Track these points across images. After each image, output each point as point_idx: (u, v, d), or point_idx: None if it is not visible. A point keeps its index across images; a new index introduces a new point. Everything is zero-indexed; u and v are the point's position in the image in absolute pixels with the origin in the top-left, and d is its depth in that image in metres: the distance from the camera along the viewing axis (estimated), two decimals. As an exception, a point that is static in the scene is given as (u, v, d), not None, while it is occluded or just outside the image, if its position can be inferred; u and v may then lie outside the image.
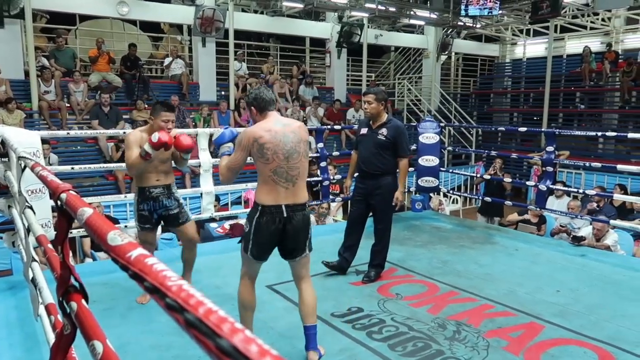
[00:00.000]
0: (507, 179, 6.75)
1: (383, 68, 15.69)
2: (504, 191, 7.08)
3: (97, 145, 8.20)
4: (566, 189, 6.42)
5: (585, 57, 12.06)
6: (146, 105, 8.85)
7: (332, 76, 12.43)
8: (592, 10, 11.89)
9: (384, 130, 3.65)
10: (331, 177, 5.70)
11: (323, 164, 5.47)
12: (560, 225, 5.87)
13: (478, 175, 8.50)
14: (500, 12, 11.79)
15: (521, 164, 12.10)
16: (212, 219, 5.44)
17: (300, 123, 2.58)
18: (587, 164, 5.63)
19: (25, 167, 2.12)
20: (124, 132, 7.04)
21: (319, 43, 12.83)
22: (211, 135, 4.50)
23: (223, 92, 10.48)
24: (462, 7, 11.34)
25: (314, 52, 13.50)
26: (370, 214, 3.88)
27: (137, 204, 3.18)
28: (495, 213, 7.03)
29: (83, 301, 1.20)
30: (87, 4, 9.04)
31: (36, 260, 2.33)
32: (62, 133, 6.26)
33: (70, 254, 1.37)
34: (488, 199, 6.18)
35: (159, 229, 3.59)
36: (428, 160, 5.62)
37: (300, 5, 10.36)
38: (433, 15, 11.80)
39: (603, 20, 13.15)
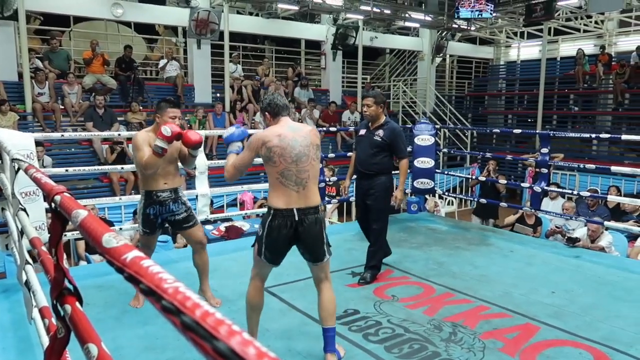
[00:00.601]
0: (502, 181, 6.78)
1: (378, 70, 15.72)
2: (498, 193, 7.10)
3: (92, 148, 8.17)
4: (561, 190, 6.45)
5: (579, 59, 12.13)
6: (141, 107, 8.83)
7: (327, 78, 12.44)
8: (586, 13, 11.97)
9: (380, 132, 3.74)
10: (327, 179, 5.69)
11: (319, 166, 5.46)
12: (555, 227, 5.90)
13: (473, 177, 8.53)
14: (494, 14, 11.85)
15: (516, 166, 12.16)
16: (208, 221, 5.43)
17: (311, 128, 2.60)
18: (581, 165, 5.66)
19: (18, 169, 2.11)
20: (119, 134, 7.08)
21: (314, 45, 12.84)
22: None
23: (218, 94, 10.46)
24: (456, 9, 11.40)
25: (309, 54, 13.51)
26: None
27: (144, 208, 3.06)
28: (489, 215, 7.04)
29: (77, 304, 1.19)
30: (81, 6, 9.01)
31: (30, 263, 2.31)
32: (56, 135, 6.24)
33: (65, 257, 1.36)
34: (483, 200, 6.20)
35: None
36: (423, 162, 5.63)
37: (296, 8, 10.36)
38: (428, 18, 11.84)
39: (596, 23, 13.24)
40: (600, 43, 13.10)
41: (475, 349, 2.71)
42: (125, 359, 2.53)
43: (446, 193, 7.73)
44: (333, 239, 5.00)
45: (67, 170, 4.55)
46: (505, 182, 6.46)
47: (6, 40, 8.24)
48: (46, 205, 3.30)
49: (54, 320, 1.42)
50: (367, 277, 3.72)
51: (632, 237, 5.58)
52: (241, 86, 10.34)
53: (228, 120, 9.58)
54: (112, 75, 9.28)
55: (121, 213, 6.48)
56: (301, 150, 2.43)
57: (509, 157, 9.03)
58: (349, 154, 4.50)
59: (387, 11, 11.14)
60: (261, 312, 2.61)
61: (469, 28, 12.63)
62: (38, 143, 5.70)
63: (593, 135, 7.42)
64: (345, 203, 8.21)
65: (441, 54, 13.84)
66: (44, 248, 1.80)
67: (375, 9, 10.60)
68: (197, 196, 4.57)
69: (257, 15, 11.72)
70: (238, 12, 11.77)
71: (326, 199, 6.02)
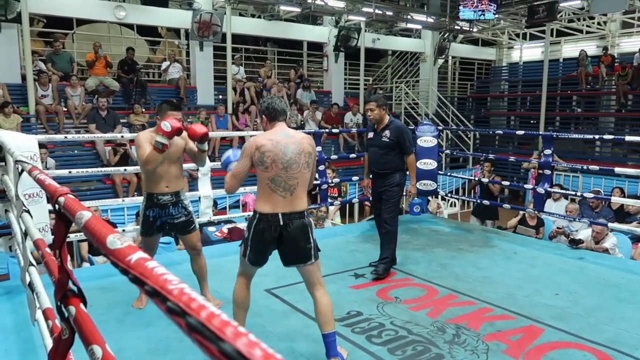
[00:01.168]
0: (504, 182, 6.76)
1: (380, 72, 15.73)
2: (492, 194, 7.12)
3: (95, 150, 8.19)
4: (564, 191, 6.44)
5: (582, 60, 12.10)
6: (143, 110, 8.84)
7: (329, 80, 12.45)
8: (588, 15, 11.94)
9: (387, 132, 3.93)
10: (329, 181, 5.69)
11: (321, 167, 5.47)
12: (557, 228, 5.88)
13: (475, 179, 8.51)
14: (496, 16, 11.84)
15: (518, 167, 12.12)
16: (211, 223, 5.43)
17: (305, 135, 2.60)
18: (585, 166, 5.64)
19: (22, 171, 2.11)
20: (122, 136, 7.09)
21: (316, 47, 12.85)
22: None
23: (221, 96, 10.48)
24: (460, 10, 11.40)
25: (311, 56, 13.52)
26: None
27: (144, 210, 3.09)
28: (487, 215, 7.07)
29: (82, 305, 1.19)
30: (84, 8, 9.04)
31: (33, 265, 2.31)
32: (59, 137, 6.25)
33: (69, 258, 1.36)
34: (486, 202, 6.19)
35: None
36: (426, 164, 5.63)
37: (298, 10, 10.38)
38: (430, 20, 11.84)
39: (599, 24, 13.21)
40: (602, 44, 13.09)
41: (478, 351, 2.70)
42: (128, 360, 2.53)
43: (449, 195, 7.71)
44: (335, 241, 5.00)
45: (70, 172, 4.55)
46: (501, 183, 6.46)
47: (9, 42, 8.27)
48: (49, 206, 3.31)
49: (57, 321, 1.42)
50: (380, 270, 3.81)
51: (636, 239, 5.56)
52: (244, 88, 10.35)
53: (230, 122, 9.59)
54: (114, 78, 9.30)
55: (124, 215, 6.48)
56: (292, 158, 2.45)
57: (511, 159, 9.00)
58: (351, 155, 4.53)
59: (389, 13, 11.15)
60: (247, 311, 2.62)
61: (471, 29, 12.62)
62: (41, 145, 5.71)
63: (596, 137, 7.40)
64: (347, 205, 8.21)
65: (443, 56, 13.83)
66: (47, 249, 1.80)
67: (377, 11, 10.60)
68: (199, 198, 4.57)
69: (259, 17, 11.73)
70: (240, 14, 11.79)
71: (328, 200, 6.01)
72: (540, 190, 5.02)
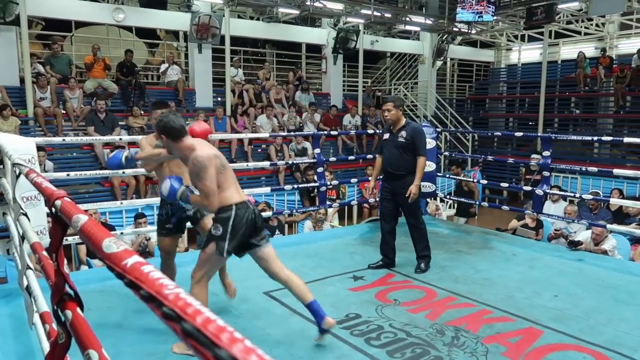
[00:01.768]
0: (503, 184, 6.83)
1: (379, 74, 15.73)
2: (467, 194, 7.86)
3: (93, 152, 8.17)
4: (562, 193, 6.44)
5: (580, 62, 12.12)
6: (142, 112, 8.83)
7: (328, 82, 12.45)
8: (587, 16, 11.97)
9: (403, 133, 3.98)
10: (328, 183, 5.69)
11: (320, 169, 5.46)
12: (555, 230, 5.88)
13: (474, 180, 8.52)
14: (494, 18, 11.86)
15: (517, 169, 12.11)
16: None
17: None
18: (583, 168, 5.64)
19: (20, 174, 2.10)
20: (120, 139, 7.07)
21: (315, 49, 12.85)
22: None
23: (219, 98, 10.47)
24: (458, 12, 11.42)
25: (310, 58, 13.52)
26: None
27: (159, 210, 3.19)
28: (459, 213, 7.67)
29: (78, 309, 1.18)
30: (83, 11, 9.03)
31: (31, 268, 2.31)
32: (57, 140, 6.23)
33: (65, 262, 1.36)
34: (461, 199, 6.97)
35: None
36: (425, 166, 5.62)
37: (296, 12, 10.38)
38: (428, 21, 11.85)
39: (597, 25, 13.24)
40: (601, 46, 13.11)
41: (478, 353, 2.69)
42: (126, 364, 2.52)
43: (447, 196, 7.72)
44: (334, 243, 5.00)
45: (68, 175, 4.54)
46: (474, 181, 7.09)
47: (8, 45, 8.25)
48: (47, 210, 3.30)
49: (54, 325, 1.41)
50: (422, 266, 4.01)
51: (635, 240, 5.56)
52: (242, 90, 10.35)
53: (229, 124, 9.58)
54: (113, 80, 9.29)
55: (122, 217, 6.47)
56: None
57: (510, 160, 9.01)
58: (350, 157, 4.51)
59: (388, 15, 11.16)
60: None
61: (469, 31, 12.64)
62: (40, 148, 5.70)
63: (595, 138, 7.41)
64: (346, 207, 8.20)
65: (442, 58, 13.84)
66: (44, 253, 1.80)
67: (375, 13, 10.61)
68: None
69: (258, 19, 11.74)
70: (239, 17, 11.80)
71: (327, 202, 6.01)
72: (539, 192, 5.02)
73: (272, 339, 2.82)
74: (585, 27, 13.25)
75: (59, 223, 1.24)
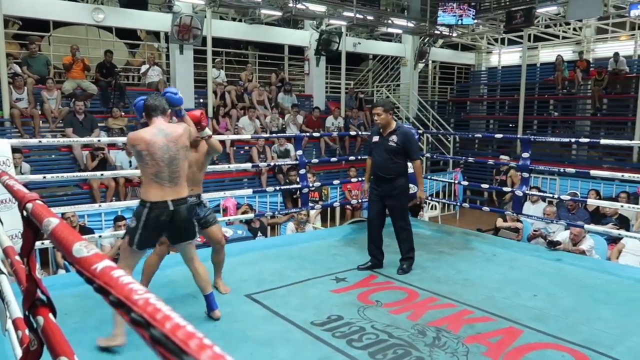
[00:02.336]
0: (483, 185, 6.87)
1: (362, 76, 15.78)
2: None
3: (72, 154, 8.02)
4: (541, 194, 6.54)
5: (558, 65, 12.33)
6: (122, 113, 8.71)
7: (311, 84, 12.44)
8: (564, 20, 12.18)
9: (394, 137, 4.00)
10: (310, 185, 5.68)
11: (302, 171, 5.45)
12: (534, 230, 5.97)
13: (456, 182, 8.60)
14: (474, 21, 12.00)
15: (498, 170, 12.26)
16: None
17: (182, 130, 2.80)
18: (562, 169, 5.73)
19: (-8, 176, 2.04)
20: (99, 140, 6.96)
21: (297, 51, 12.83)
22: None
23: (201, 100, 10.38)
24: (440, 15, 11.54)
25: (292, 59, 13.50)
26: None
27: None
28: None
29: (50, 315, 1.15)
30: (61, 11, 8.86)
31: (4, 273, 2.24)
32: (33, 141, 6.08)
33: (38, 266, 1.32)
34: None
35: None
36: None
37: (279, 13, 10.36)
38: (410, 24, 11.93)
39: (575, 30, 13.49)
40: (578, 49, 13.36)
41: (459, 353, 2.71)
42: (104, 370, 2.47)
43: (429, 198, 7.77)
44: (317, 245, 4.99)
45: (44, 177, 4.45)
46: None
47: (-17, 44, 8.06)
48: (22, 213, 3.22)
49: (27, 332, 1.37)
50: (405, 267, 4.03)
51: (611, 240, 5.66)
52: (224, 92, 10.27)
53: (211, 126, 9.50)
54: (92, 81, 9.14)
55: (101, 220, 6.37)
56: (172, 155, 2.69)
57: (490, 162, 9.12)
58: (332, 159, 4.50)
59: (370, 17, 11.20)
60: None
61: (450, 34, 12.76)
62: (16, 149, 5.58)
63: (573, 140, 7.55)
64: (329, 208, 8.20)
65: (424, 60, 13.95)
66: (17, 257, 1.75)
67: (358, 15, 10.65)
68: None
69: (240, 20, 11.67)
70: (221, 18, 11.72)
71: (309, 204, 6.00)
72: (519, 193, 5.08)
73: (253, 341, 2.80)
74: (564, 31, 13.49)
75: (31, 226, 1.21)
